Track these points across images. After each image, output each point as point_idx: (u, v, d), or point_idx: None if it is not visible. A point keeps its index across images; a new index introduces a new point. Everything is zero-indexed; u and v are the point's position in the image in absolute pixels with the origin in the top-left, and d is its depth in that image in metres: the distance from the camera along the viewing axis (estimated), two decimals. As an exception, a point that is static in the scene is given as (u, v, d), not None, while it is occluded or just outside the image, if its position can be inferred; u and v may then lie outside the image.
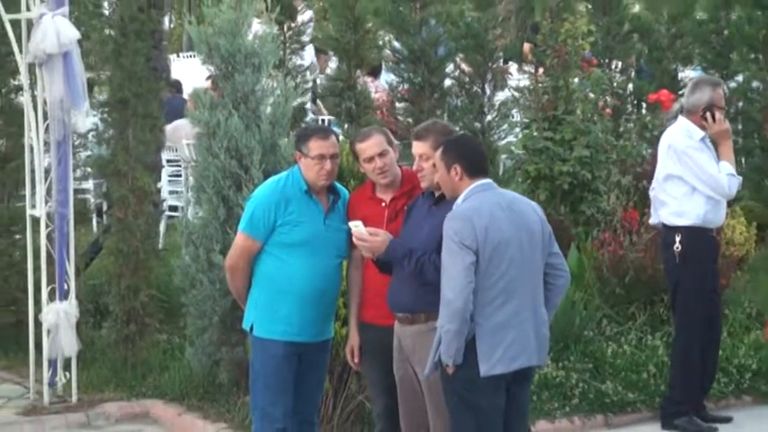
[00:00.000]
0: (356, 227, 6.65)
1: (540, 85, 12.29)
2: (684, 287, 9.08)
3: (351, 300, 7.17)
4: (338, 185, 7.18)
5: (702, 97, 8.90)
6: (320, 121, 13.67)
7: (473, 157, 6.54)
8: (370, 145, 6.92)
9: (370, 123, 12.32)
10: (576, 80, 12.32)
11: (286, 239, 6.92)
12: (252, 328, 7.08)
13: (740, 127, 15.20)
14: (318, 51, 15.75)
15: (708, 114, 8.82)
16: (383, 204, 6.95)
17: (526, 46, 17.23)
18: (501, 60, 14.34)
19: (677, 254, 8.96)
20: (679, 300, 9.20)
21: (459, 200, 6.44)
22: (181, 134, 14.10)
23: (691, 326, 9.05)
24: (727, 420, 9.13)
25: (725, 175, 8.79)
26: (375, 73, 15.27)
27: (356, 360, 7.16)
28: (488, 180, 6.55)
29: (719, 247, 9.29)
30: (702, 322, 9.03)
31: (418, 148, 6.70)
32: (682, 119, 9.01)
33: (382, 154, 6.88)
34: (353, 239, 6.71)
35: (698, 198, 8.84)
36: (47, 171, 9.10)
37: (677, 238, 8.94)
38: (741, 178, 8.98)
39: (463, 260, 6.23)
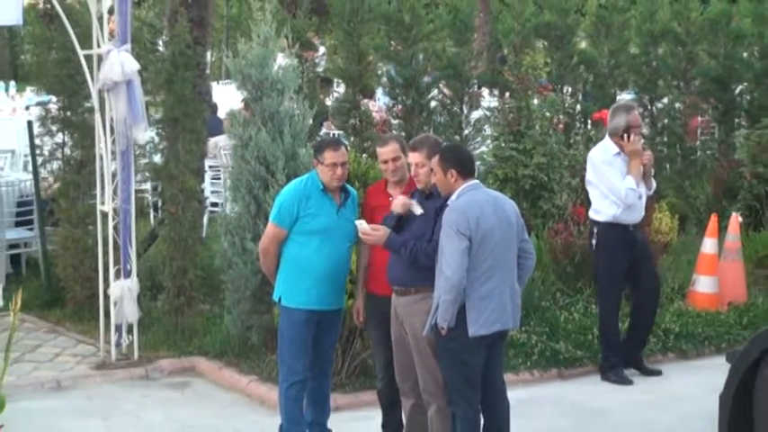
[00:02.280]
0: (360, 224, 6.74)
1: (506, 105, 12.29)
2: (599, 269, 9.16)
3: (359, 272, 7.21)
4: (348, 186, 7.20)
5: (620, 122, 8.82)
6: (331, 135, 13.66)
7: (465, 162, 6.59)
8: (387, 150, 6.98)
9: (371, 137, 12.36)
10: (536, 102, 12.33)
11: (307, 228, 6.94)
12: (280, 300, 7.10)
13: (665, 139, 15.23)
14: (324, 81, 15.73)
15: (625, 135, 8.76)
16: (390, 198, 6.98)
17: (507, 72, 17.28)
18: (475, 86, 14.36)
19: (594, 243, 9.01)
20: (597, 278, 9.33)
21: (454, 197, 6.48)
22: (219, 147, 14.12)
23: (605, 299, 9.10)
24: (659, 373, 9.13)
25: (625, 188, 8.70)
26: (371, 96, 15.25)
27: (360, 319, 7.23)
28: (477, 181, 6.62)
29: (636, 239, 8.96)
30: (614, 297, 9.03)
31: (414, 157, 6.73)
32: (607, 137, 8.99)
33: (395, 159, 6.94)
34: (359, 233, 6.75)
35: (611, 201, 8.82)
36: (113, 175, 9.09)
37: (595, 230, 8.98)
38: (640, 191, 8.77)
39: (459, 244, 6.28)
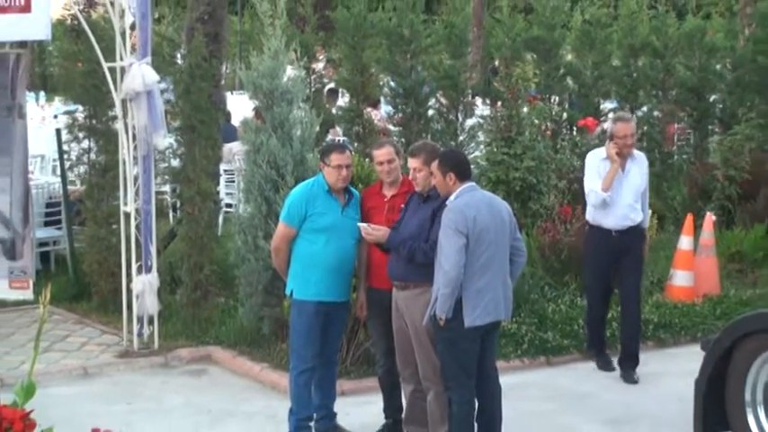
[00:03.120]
0: (362, 226, 6.81)
1: (498, 113, 12.28)
2: (584, 265, 9.15)
3: (359, 270, 7.21)
4: (351, 188, 7.21)
5: (608, 130, 8.79)
6: (337, 141, 13.67)
7: (462, 166, 6.61)
8: (382, 153, 7.00)
9: (374, 142, 12.35)
10: (525, 110, 12.32)
11: (314, 226, 6.96)
12: (292, 293, 7.12)
13: (645, 144, 15.22)
14: (331, 91, 15.71)
15: (608, 141, 8.69)
16: (385, 199, 7.02)
17: (497, 83, 17.29)
18: (470, 95, 14.35)
19: (583, 240, 8.96)
20: (583, 274, 9.30)
21: (452, 198, 6.49)
22: (233, 152, 14.12)
23: (588, 294, 9.09)
24: (633, 382, 8.63)
25: (588, 187, 8.60)
26: (375, 104, 15.24)
27: (364, 313, 7.24)
28: (473, 183, 6.63)
29: (620, 245, 8.56)
30: (593, 293, 8.89)
31: (413, 162, 6.74)
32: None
33: (389, 161, 6.95)
34: (362, 233, 6.79)
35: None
36: (135, 178, 9.10)
37: (586, 228, 8.94)
38: (604, 196, 8.47)
39: (457, 242, 6.29)
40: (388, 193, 7.04)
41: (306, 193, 7.06)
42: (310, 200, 6.99)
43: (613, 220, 8.63)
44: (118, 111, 9.12)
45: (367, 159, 9.43)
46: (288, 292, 7.18)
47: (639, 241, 8.75)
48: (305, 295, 7.03)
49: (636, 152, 8.84)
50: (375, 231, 6.73)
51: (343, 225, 6.99)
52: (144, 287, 9.06)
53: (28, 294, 9.92)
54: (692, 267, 10.71)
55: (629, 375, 8.69)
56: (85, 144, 10.67)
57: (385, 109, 14.94)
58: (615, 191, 8.58)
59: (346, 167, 7.01)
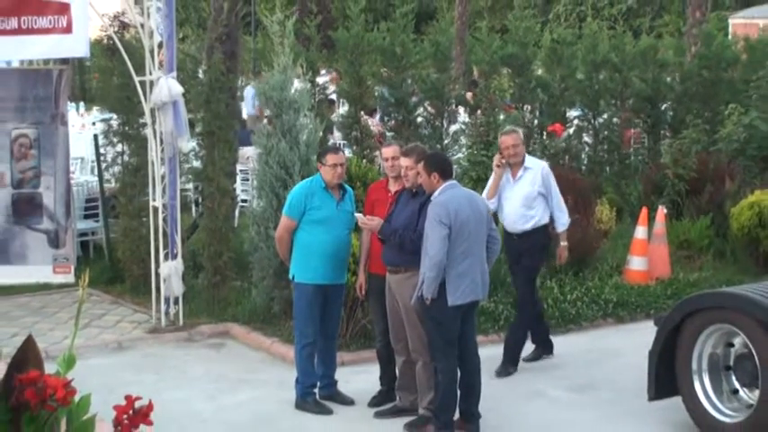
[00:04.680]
0: (359, 216, 6.83)
1: (477, 120, 12.26)
2: None
3: (362, 254, 7.22)
4: (345, 185, 7.22)
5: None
6: (335, 144, 13.65)
7: (445, 166, 6.61)
8: (389, 150, 7.03)
9: (371, 147, 12.33)
10: (501, 117, 12.31)
11: (312, 218, 6.96)
12: (293, 277, 7.10)
13: (605, 147, 15.22)
14: (329, 101, 15.67)
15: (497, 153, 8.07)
16: (390, 194, 7.01)
17: (468, 94, 17.21)
18: (453, 104, 14.33)
19: None
20: None
21: (436, 194, 6.49)
22: (247, 155, 14.09)
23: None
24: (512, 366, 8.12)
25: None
26: (372, 113, 15.21)
27: (363, 292, 7.25)
28: (455, 181, 6.64)
29: (515, 248, 7.99)
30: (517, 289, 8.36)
31: (405, 161, 6.74)
32: None
33: (394, 158, 6.93)
34: (359, 223, 6.78)
35: None
36: (162, 177, 9.08)
37: None
38: (487, 203, 7.59)
39: (441, 232, 6.29)
40: (394, 188, 7.03)
41: (305, 189, 7.06)
42: (309, 196, 6.99)
43: (507, 224, 7.98)
44: (147, 118, 9.10)
45: (364, 161, 9.43)
46: (290, 276, 7.16)
47: (537, 245, 7.94)
48: (305, 279, 7.02)
49: (533, 161, 8.05)
50: (369, 222, 6.74)
51: (338, 217, 6.99)
52: (170, 272, 9.05)
53: (69, 278, 9.94)
54: (646, 254, 10.71)
55: (502, 368, 8.02)
56: (119, 147, 10.67)
57: (379, 116, 14.91)
58: (506, 198, 7.91)
59: (340, 166, 7.01)
